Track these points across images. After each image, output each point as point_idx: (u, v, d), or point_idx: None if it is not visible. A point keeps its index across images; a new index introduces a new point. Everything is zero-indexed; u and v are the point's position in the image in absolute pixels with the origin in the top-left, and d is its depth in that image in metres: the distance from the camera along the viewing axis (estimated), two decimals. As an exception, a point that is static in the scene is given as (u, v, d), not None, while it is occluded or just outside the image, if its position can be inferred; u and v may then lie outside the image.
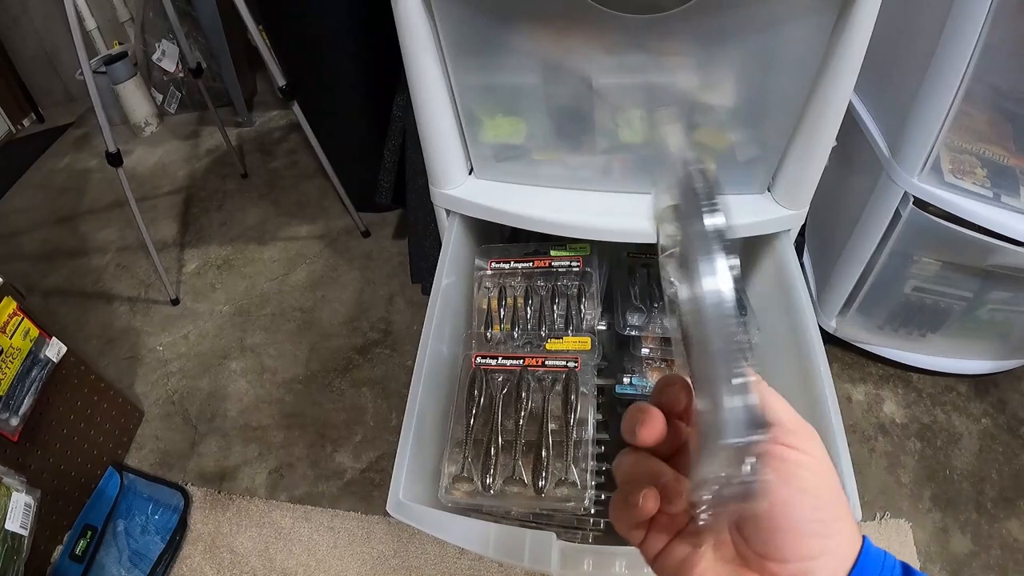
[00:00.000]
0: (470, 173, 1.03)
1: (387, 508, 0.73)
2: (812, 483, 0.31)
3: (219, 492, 1.39)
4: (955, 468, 1.33)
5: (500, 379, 0.91)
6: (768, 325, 0.96)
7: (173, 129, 2.62)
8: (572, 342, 0.94)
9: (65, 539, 1.29)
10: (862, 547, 0.32)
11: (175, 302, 1.82)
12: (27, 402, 1.20)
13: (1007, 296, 1.24)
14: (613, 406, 0.97)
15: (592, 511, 0.82)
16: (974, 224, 1.09)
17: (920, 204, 1.12)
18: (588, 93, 0.85)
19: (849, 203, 1.32)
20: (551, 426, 0.86)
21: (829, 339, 1.46)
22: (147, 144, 2.53)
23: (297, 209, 2.11)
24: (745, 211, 0.94)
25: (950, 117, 1.03)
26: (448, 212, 1.06)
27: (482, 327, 0.99)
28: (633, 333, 0.98)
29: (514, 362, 0.92)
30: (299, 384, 1.59)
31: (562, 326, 0.97)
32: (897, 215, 1.17)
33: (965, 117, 1.06)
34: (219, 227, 2.07)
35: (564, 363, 0.91)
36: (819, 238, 1.51)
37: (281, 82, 1.60)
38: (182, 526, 1.33)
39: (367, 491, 1.37)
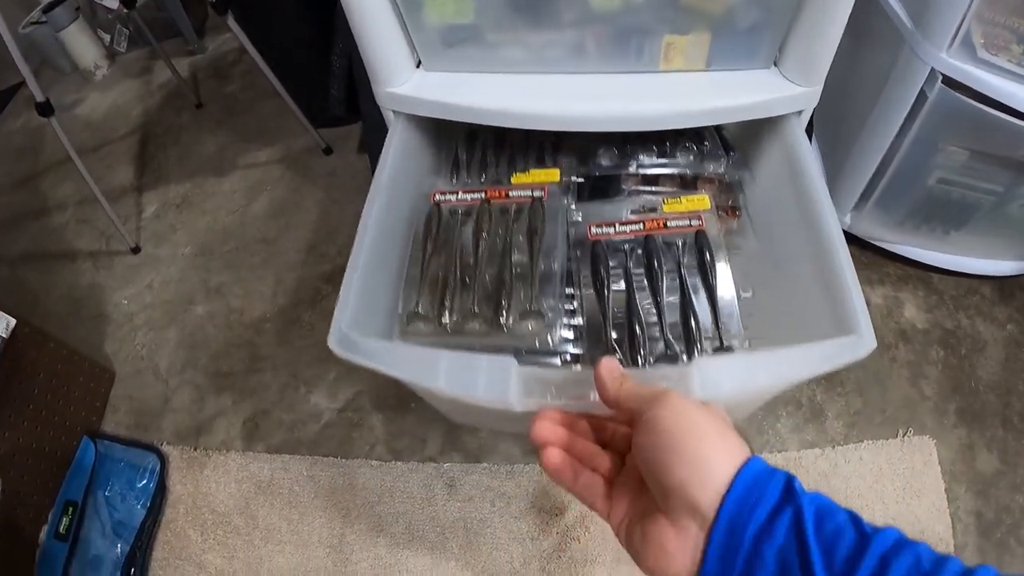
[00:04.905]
0: (418, 66, 0.88)
1: (328, 343, 0.66)
2: (666, 426, 0.39)
3: (195, 449, 1.31)
4: (980, 379, 1.24)
5: (460, 213, 0.87)
6: (777, 225, 0.85)
7: (125, 68, 2.45)
8: (539, 174, 0.89)
9: (49, 518, 1.22)
10: (742, 468, 0.37)
11: (136, 250, 1.70)
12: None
13: (1041, 191, 1.11)
14: (587, 244, 0.86)
15: (561, 348, 0.76)
16: (1009, 107, 0.95)
17: (949, 83, 0.99)
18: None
19: (865, 83, 1.18)
20: (515, 257, 0.81)
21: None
22: (100, 88, 2.37)
23: (255, 133, 1.98)
24: (748, 89, 0.80)
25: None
26: (395, 115, 0.92)
27: (450, 175, 0.95)
28: (606, 173, 0.91)
29: (475, 196, 0.87)
30: (268, 323, 1.49)
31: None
32: (922, 96, 1.03)
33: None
34: (176, 163, 1.93)
35: (530, 193, 0.86)
36: (830, 123, 1.37)
37: (211, -5, 1.42)
38: (161, 489, 1.26)
39: (346, 433, 1.29)
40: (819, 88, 0.80)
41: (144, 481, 1.25)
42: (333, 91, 1.32)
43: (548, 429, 0.46)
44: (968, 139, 1.07)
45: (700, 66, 0.81)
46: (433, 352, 0.60)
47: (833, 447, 1.17)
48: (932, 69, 1.00)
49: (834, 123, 1.34)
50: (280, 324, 1.49)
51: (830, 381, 1.25)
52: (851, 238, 1.34)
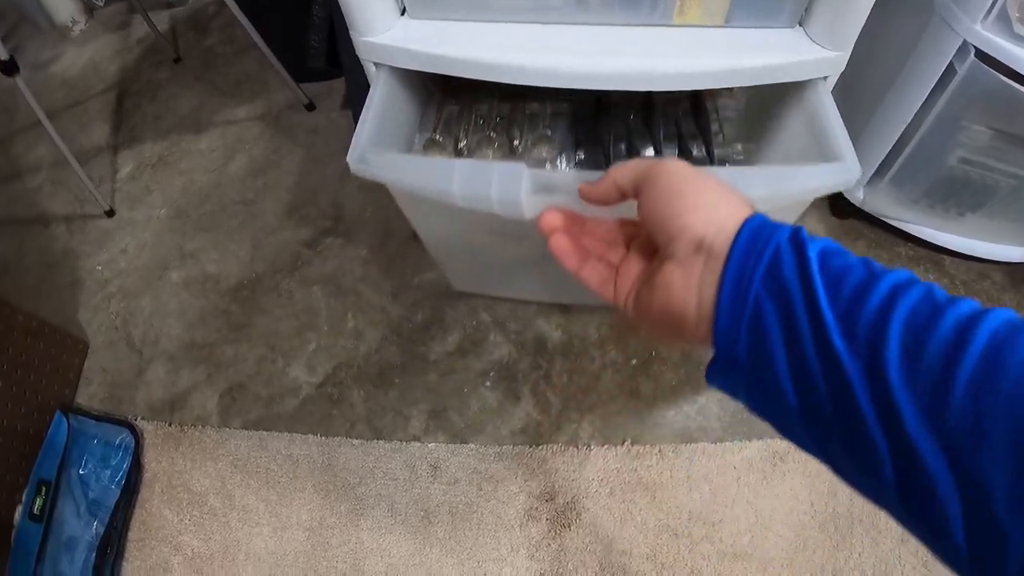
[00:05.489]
0: (403, 13, 0.81)
1: (348, 161, 0.72)
2: (669, 180, 0.39)
3: (170, 425, 1.24)
4: (989, 370, 1.18)
5: None
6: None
7: (104, 23, 2.32)
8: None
9: (23, 498, 1.16)
10: (748, 218, 0.37)
11: (110, 214, 1.62)
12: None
13: (1064, 176, 1.05)
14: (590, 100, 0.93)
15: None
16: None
17: (981, 57, 0.92)
18: None
19: (888, 51, 1.10)
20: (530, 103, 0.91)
21: (855, 212, 1.30)
22: (77, 44, 2.25)
23: (235, 88, 1.88)
24: (769, 50, 0.74)
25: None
26: (377, 67, 0.84)
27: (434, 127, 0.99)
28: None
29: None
30: (245, 290, 1.42)
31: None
32: (951, 69, 0.96)
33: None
34: (153, 121, 1.84)
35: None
36: (846, 93, 1.27)
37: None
38: (136, 467, 1.20)
39: (326, 410, 1.22)
40: (847, 52, 0.75)
41: (118, 459, 1.19)
42: (313, 42, 1.23)
43: (556, 218, 0.47)
44: (995, 118, 1.00)
45: (718, 21, 0.75)
46: (448, 162, 0.66)
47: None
48: (964, 41, 0.93)
49: (851, 92, 1.26)
50: (258, 292, 1.42)
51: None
52: (863, 215, 1.30)
